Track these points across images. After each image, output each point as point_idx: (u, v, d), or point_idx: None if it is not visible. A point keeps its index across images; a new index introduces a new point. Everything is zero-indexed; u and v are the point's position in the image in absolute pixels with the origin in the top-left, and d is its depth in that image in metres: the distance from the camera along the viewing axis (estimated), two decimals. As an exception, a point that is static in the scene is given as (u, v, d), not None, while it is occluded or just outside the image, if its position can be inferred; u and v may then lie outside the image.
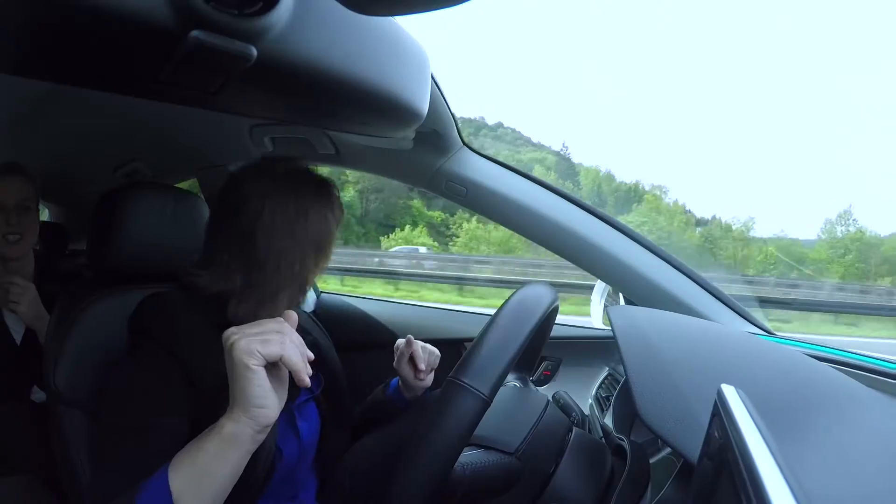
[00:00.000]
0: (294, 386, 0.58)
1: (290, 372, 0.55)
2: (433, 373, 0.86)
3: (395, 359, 0.84)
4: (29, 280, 1.18)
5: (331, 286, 2.46)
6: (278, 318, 0.57)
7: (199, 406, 0.63)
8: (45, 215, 1.98)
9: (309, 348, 0.60)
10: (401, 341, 0.84)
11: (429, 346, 0.85)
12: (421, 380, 0.84)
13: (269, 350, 0.53)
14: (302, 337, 0.62)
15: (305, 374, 0.55)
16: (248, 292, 0.68)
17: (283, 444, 0.72)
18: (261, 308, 0.69)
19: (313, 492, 0.82)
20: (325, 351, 0.86)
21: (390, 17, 0.55)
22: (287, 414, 0.74)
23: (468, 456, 0.66)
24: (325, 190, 0.72)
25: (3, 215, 1.19)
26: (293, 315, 0.58)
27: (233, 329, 0.55)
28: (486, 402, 0.54)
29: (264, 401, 0.53)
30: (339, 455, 0.86)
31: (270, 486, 0.68)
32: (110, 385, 0.65)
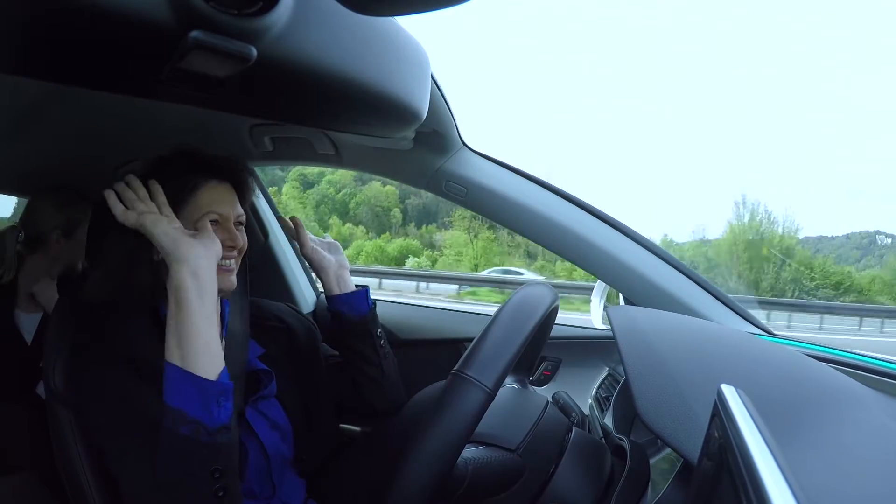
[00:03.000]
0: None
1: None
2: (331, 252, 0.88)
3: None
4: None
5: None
6: None
7: None
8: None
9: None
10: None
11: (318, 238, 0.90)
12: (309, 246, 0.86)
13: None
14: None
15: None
16: None
17: (248, 444, 0.73)
18: None
19: (297, 491, 0.81)
20: (301, 343, 0.86)
21: (390, 17, 0.55)
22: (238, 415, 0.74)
23: (470, 452, 0.66)
24: None
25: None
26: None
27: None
28: (490, 395, 0.54)
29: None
30: (321, 453, 0.85)
31: (245, 485, 0.69)
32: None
